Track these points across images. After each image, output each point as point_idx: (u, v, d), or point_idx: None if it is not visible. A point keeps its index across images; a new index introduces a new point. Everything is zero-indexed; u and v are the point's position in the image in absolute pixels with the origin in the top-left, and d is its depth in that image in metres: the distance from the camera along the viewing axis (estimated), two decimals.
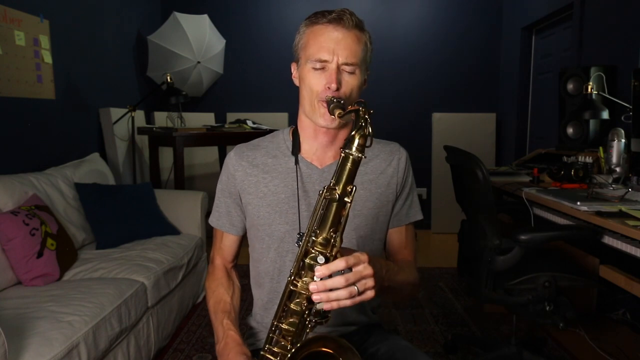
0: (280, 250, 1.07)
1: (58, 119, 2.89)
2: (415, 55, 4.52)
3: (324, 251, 0.82)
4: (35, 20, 2.67)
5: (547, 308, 1.72)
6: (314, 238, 0.83)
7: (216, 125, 3.85)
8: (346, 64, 0.97)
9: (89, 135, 3.33)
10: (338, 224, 0.82)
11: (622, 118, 2.45)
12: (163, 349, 2.26)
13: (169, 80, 3.19)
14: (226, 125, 3.81)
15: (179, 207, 2.81)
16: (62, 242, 2.09)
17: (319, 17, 0.99)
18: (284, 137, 1.12)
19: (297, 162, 1.07)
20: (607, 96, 2.54)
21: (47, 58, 2.77)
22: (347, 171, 0.81)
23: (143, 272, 2.10)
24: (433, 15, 4.52)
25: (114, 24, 3.66)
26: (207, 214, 2.88)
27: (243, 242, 1.18)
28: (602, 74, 2.59)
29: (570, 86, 2.83)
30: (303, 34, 1.03)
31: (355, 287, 0.79)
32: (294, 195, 1.06)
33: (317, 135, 1.07)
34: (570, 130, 2.86)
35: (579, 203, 1.76)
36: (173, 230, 2.70)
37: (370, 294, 0.81)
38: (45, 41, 2.75)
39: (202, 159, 4.29)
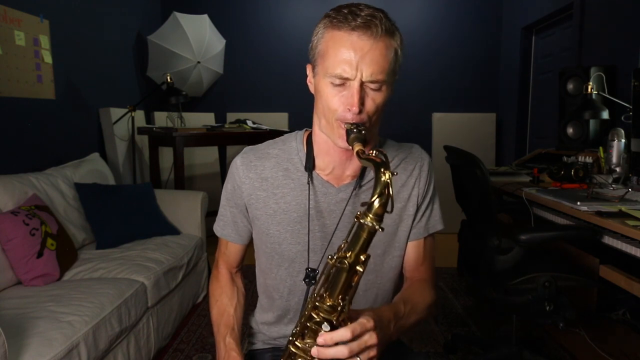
0: (291, 270, 1.01)
1: (58, 119, 2.89)
2: (416, 55, 4.51)
3: (329, 318, 0.76)
4: (35, 20, 2.66)
5: (547, 308, 1.72)
6: (318, 304, 0.77)
7: (216, 125, 3.85)
8: (371, 82, 0.83)
9: (89, 135, 3.33)
10: (348, 290, 0.76)
11: (622, 118, 2.45)
12: (163, 349, 2.26)
13: (169, 80, 3.19)
14: (226, 125, 3.80)
15: (179, 207, 2.81)
16: (62, 242, 2.09)
17: (341, 20, 0.82)
18: (297, 145, 1.00)
19: (310, 181, 0.96)
20: (607, 96, 2.54)
21: (47, 58, 2.77)
22: (361, 240, 0.74)
23: (143, 272, 2.10)
24: (433, 15, 4.52)
25: (114, 24, 3.66)
26: (207, 214, 2.89)
27: (249, 247, 1.13)
28: (602, 74, 2.59)
29: (570, 86, 2.83)
30: (321, 38, 0.86)
31: (358, 359, 0.74)
32: (306, 215, 0.97)
33: (333, 152, 0.95)
34: (570, 130, 2.85)
35: (579, 203, 1.76)
36: (173, 230, 2.70)
37: None
38: (45, 41, 2.75)
39: (202, 159, 4.29)
